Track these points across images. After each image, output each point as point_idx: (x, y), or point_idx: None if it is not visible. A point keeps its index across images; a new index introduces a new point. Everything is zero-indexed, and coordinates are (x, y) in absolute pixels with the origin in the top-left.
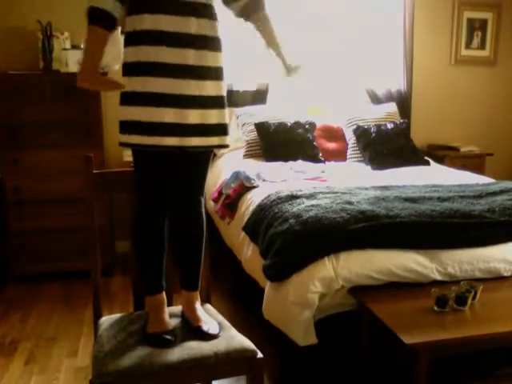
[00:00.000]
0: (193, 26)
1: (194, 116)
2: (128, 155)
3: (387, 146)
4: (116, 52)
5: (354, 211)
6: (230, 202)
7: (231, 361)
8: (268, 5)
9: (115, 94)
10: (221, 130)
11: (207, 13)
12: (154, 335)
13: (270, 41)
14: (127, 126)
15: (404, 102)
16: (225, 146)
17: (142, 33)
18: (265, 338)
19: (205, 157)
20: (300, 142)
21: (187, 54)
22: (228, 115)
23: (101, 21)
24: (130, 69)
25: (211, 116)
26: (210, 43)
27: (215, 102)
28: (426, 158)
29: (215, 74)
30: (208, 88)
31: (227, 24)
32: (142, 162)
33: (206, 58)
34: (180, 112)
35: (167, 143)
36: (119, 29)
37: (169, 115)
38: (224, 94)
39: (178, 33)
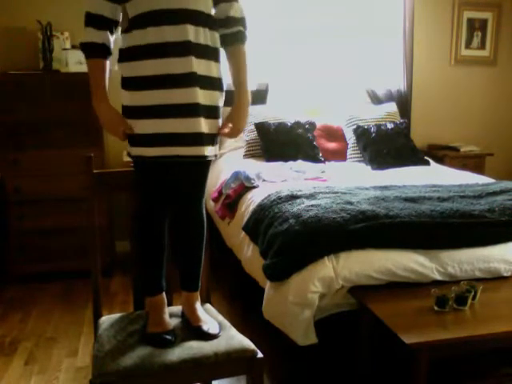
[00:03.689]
0: (192, 34)
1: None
2: None
3: (387, 146)
4: (116, 53)
5: (354, 211)
6: (230, 201)
7: (231, 361)
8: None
9: (115, 93)
10: (212, 139)
11: (208, 22)
12: (154, 335)
13: (236, 75)
14: (132, 139)
15: (404, 102)
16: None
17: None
18: (265, 338)
19: (205, 161)
20: (300, 141)
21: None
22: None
23: (94, 53)
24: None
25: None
26: (211, 53)
27: (215, 111)
28: (425, 157)
29: (218, 84)
30: (209, 96)
31: None
32: (143, 167)
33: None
34: (184, 121)
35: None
36: (119, 29)
37: (170, 125)
38: (221, 104)
39: (180, 42)
